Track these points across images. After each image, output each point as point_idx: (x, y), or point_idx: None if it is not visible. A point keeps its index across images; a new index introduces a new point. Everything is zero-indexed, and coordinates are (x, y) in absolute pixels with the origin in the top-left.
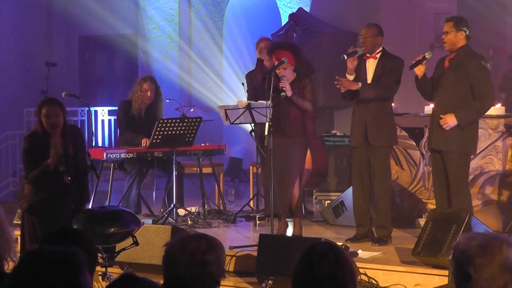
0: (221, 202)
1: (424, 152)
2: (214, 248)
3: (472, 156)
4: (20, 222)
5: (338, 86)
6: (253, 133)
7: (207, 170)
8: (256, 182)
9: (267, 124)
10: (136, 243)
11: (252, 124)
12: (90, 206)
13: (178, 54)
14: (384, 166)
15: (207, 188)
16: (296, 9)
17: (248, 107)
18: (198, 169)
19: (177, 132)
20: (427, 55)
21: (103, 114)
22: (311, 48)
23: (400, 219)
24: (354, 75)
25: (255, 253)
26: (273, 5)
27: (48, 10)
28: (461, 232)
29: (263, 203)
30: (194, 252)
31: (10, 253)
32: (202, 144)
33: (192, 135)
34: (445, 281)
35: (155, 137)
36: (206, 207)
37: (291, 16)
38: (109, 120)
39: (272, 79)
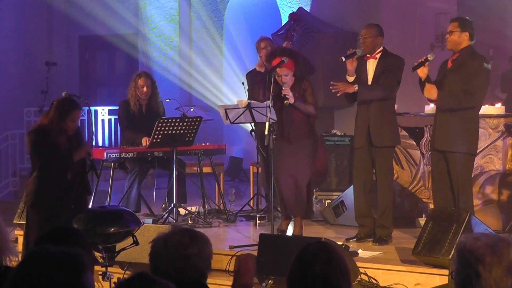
0: (221, 201)
1: (424, 152)
2: (197, 241)
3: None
4: (20, 222)
5: (334, 91)
6: (253, 132)
7: (207, 169)
8: (257, 181)
9: (267, 123)
10: (136, 242)
11: (252, 124)
12: (90, 205)
13: (178, 54)
14: (387, 166)
15: (207, 187)
16: (296, 9)
17: (248, 107)
18: (198, 168)
19: (177, 131)
20: (430, 57)
21: (103, 114)
22: (311, 48)
23: (400, 218)
24: (355, 76)
25: (255, 253)
26: (273, 4)
27: (48, 10)
28: (461, 232)
29: (264, 203)
30: (176, 246)
31: (8, 251)
32: (203, 144)
33: (192, 135)
34: (445, 280)
35: (155, 136)
36: (206, 206)
37: (291, 15)
38: (109, 120)
39: (273, 79)
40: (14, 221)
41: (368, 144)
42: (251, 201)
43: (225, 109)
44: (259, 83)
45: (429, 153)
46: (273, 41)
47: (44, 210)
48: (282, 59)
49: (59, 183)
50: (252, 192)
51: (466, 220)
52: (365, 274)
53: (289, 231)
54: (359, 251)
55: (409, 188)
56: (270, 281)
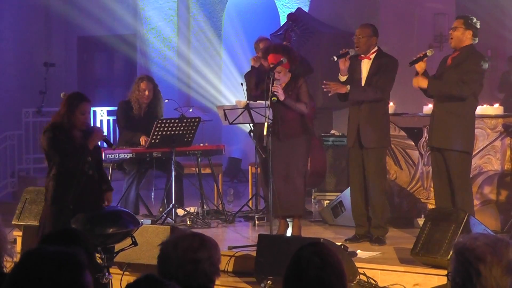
0: (220, 202)
1: (423, 152)
2: (207, 246)
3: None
4: (19, 223)
5: (325, 90)
6: (252, 133)
7: (206, 170)
8: (255, 182)
9: (266, 124)
10: (135, 243)
11: (251, 124)
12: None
13: (177, 55)
14: (377, 167)
15: (206, 188)
16: (295, 9)
17: (247, 107)
18: (197, 169)
19: (176, 132)
20: (429, 53)
21: (102, 115)
22: (309, 48)
23: (399, 219)
24: (347, 76)
25: (254, 253)
26: (272, 5)
27: (46, 11)
28: (459, 232)
29: (263, 203)
30: (186, 250)
31: (4, 252)
32: (201, 144)
33: (191, 135)
34: (444, 281)
35: (154, 137)
36: (205, 207)
37: (290, 16)
38: (108, 121)
39: (271, 79)
40: (13, 222)
41: (359, 144)
42: (250, 202)
43: (224, 110)
44: (253, 76)
45: (428, 153)
46: (272, 41)
47: (66, 207)
48: (281, 59)
49: (79, 179)
50: (250, 193)
51: (465, 220)
52: (364, 274)
53: (288, 232)
54: (358, 251)
55: (408, 189)
56: (269, 282)
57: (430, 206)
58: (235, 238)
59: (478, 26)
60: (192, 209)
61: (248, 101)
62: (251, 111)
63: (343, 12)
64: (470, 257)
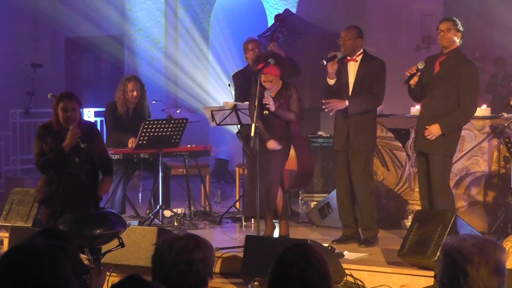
0: (207, 203)
1: (410, 154)
2: (202, 247)
3: (458, 157)
4: (6, 224)
5: (326, 110)
6: (239, 134)
7: (193, 171)
8: (242, 183)
9: (253, 125)
10: (122, 244)
11: (238, 125)
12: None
13: (164, 56)
14: (365, 169)
15: (193, 189)
16: (283, 10)
17: (234, 108)
18: (184, 170)
19: (163, 133)
20: (420, 66)
21: (89, 116)
22: (297, 49)
23: (386, 220)
24: (335, 79)
25: (241, 255)
26: (260, 6)
27: (34, 12)
28: (446, 233)
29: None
30: (181, 250)
31: None
32: (188, 146)
33: (178, 137)
34: (431, 282)
35: (141, 138)
36: (192, 208)
37: (277, 16)
38: (95, 122)
39: (259, 81)
40: (0, 223)
41: (347, 147)
42: (237, 203)
43: (211, 111)
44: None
45: (415, 154)
46: (260, 42)
47: (54, 208)
48: (268, 61)
49: (67, 180)
50: (238, 194)
51: (452, 221)
52: (351, 275)
53: (276, 233)
54: (345, 252)
55: (395, 190)
56: (256, 283)
57: (417, 207)
58: (222, 239)
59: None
60: (179, 210)
61: (235, 102)
62: (239, 112)
63: (331, 13)
64: (458, 258)
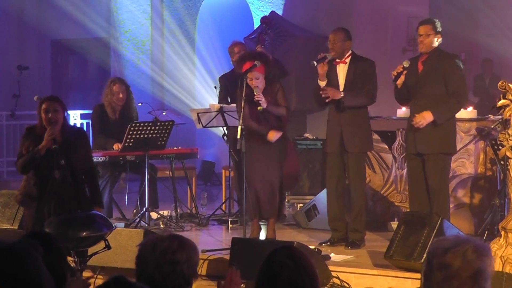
0: (193, 205)
1: (397, 156)
2: (185, 248)
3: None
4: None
5: (323, 96)
6: (225, 136)
7: (179, 173)
8: (229, 185)
9: (239, 127)
10: (108, 246)
11: (225, 128)
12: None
13: (150, 58)
14: (359, 171)
15: (180, 191)
16: (269, 13)
17: (221, 111)
18: (170, 172)
19: (150, 135)
20: (405, 64)
21: (75, 118)
22: (283, 51)
23: (372, 222)
24: (326, 81)
25: (227, 257)
26: (246, 8)
27: (20, 14)
28: (433, 235)
29: (236, 207)
30: (165, 251)
31: None
32: (175, 148)
33: (164, 139)
34: (417, 284)
35: (128, 140)
36: (178, 210)
37: (263, 19)
38: (81, 124)
39: (245, 83)
40: None
41: (341, 149)
42: (223, 205)
43: (197, 113)
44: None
45: (401, 156)
46: (246, 45)
47: (40, 211)
48: (254, 63)
49: (52, 183)
50: (224, 196)
51: (438, 223)
52: (337, 278)
53: (262, 235)
54: (332, 255)
55: (381, 192)
56: (242, 285)
57: (404, 210)
58: (208, 242)
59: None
60: (165, 213)
61: (221, 105)
62: (225, 114)
63: (317, 15)
64: (435, 262)
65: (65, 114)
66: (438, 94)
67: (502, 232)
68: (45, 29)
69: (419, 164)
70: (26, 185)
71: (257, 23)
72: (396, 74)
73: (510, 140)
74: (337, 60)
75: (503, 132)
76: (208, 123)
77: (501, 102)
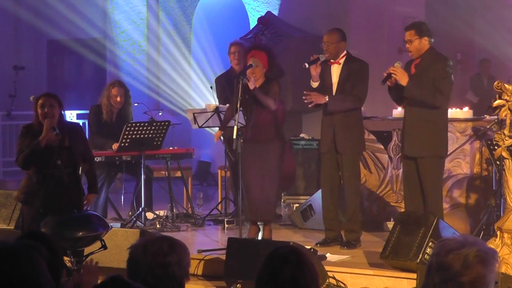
0: (189, 205)
1: (392, 156)
2: (176, 250)
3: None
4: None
5: (306, 101)
6: (221, 136)
7: (175, 173)
8: (225, 185)
9: (235, 127)
10: (104, 247)
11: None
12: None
13: (146, 58)
14: (353, 171)
15: (176, 191)
16: (265, 13)
17: (217, 111)
18: (166, 172)
19: (146, 135)
20: (397, 65)
21: (71, 118)
22: (279, 52)
23: (368, 222)
24: (319, 82)
25: (223, 257)
26: (241, 8)
27: (16, 14)
28: (429, 235)
29: (232, 207)
30: (156, 254)
31: None
32: (171, 148)
33: (160, 139)
34: (413, 284)
35: (123, 140)
36: (174, 210)
37: (260, 19)
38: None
39: (241, 83)
40: None
41: (334, 149)
42: (219, 205)
43: (193, 113)
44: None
45: (397, 157)
46: (243, 45)
47: (36, 210)
48: (250, 63)
49: (49, 181)
50: (220, 196)
51: (434, 224)
52: (333, 278)
53: (259, 236)
54: (327, 255)
55: (377, 192)
56: (238, 285)
57: (400, 210)
58: (204, 242)
59: (429, 27)
60: (161, 213)
61: (217, 105)
62: (221, 114)
63: (313, 15)
64: (436, 262)
65: (62, 111)
66: None
67: (498, 232)
68: (41, 30)
69: (412, 166)
70: (29, 183)
71: (253, 24)
72: (385, 75)
73: (506, 140)
74: (332, 61)
75: (499, 132)
76: (204, 123)
77: (497, 102)
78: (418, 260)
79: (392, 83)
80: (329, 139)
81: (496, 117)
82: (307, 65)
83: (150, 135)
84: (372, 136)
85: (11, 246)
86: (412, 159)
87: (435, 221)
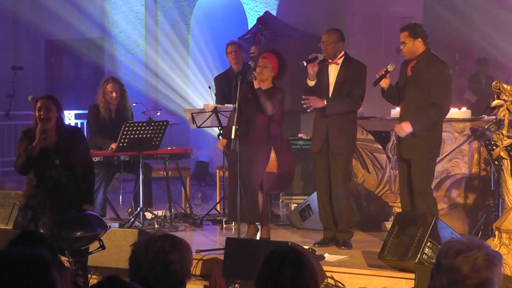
0: (187, 205)
1: (391, 156)
2: (178, 248)
3: (438, 159)
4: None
5: (305, 106)
6: (220, 136)
7: (173, 173)
8: (223, 185)
9: (233, 127)
10: (102, 247)
11: (219, 128)
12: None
13: (145, 58)
14: (344, 172)
15: (174, 191)
16: (263, 13)
17: (215, 111)
18: (164, 172)
19: (144, 135)
20: (390, 68)
21: (70, 118)
22: None
23: (366, 222)
24: (315, 81)
25: (221, 257)
26: (240, 9)
27: (14, 14)
28: (427, 235)
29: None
30: (157, 252)
31: None
32: (169, 148)
33: (158, 139)
34: (411, 284)
35: (122, 140)
36: (172, 210)
37: (259, 19)
38: (76, 124)
39: (239, 83)
40: None
41: (326, 149)
42: (218, 205)
43: (192, 113)
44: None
45: (395, 157)
46: (241, 45)
47: (35, 212)
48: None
49: (46, 183)
50: (218, 196)
51: (432, 224)
52: (332, 278)
53: (258, 236)
54: (326, 255)
55: (376, 192)
56: (236, 285)
57: (398, 210)
58: (202, 242)
59: (425, 29)
60: (160, 213)
61: (215, 105)
62: (219, 114)
63: (311, 15)
64: (444, 263)
65: (61, 114)
66: (422, 100)
67: (496, 232)
68: (40, 30)
69: (404, 166)
70: (29, 187)
71: (251, 24)
72: (378, 76)
73: (504, 140)
74: (329, 61)
75: (497, 132)
76: (202, 123)
77: (495, 102)
78: (416, 260)
79: (387, 84)
80: (321, 139)
81: (494, 117)
82: (305, 63)
83: (148, 135)
84: (370, 136)
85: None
86: (406, 161)
87: (433, 221)
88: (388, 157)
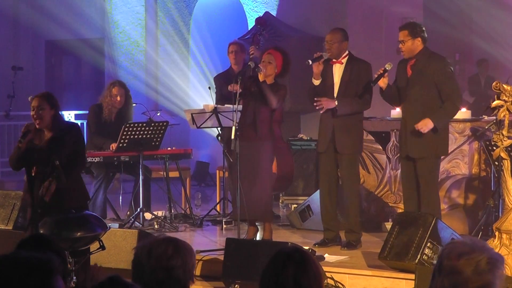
0: (187, 206)
1: (391, 156)
2: (181, 253)
3: (442, 157)
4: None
5: (317, 107)
6: (219, 137)
7: (173, 174)
8: (223, 186)
9: (233, 128)
10: (102, 247)
11: (219, 128)
12: None
13: (145, 59)
14: (352, 171)
15: (174, 192)
16: (263, 13)
17: (215, 111)
18: (164, 173)
19: (144, 136)
20: (388, 67)
21: (70, 118)
22: None
23: (366, 223)
24: (320, 80)
25: (221, 257)
26: (240, 9)
27: (14, 14)
28: (427, 236)
29: (230, 207)
30: (160, 257)
31: None
32: (169, 148)
33: (158, 139)
34: (411, 285)
35: (122, 141)
36: (172, 211)
37: (258, 20)
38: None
39: (239, 82)
40: None
41: (333, 149)
42: (218, 206)
43: (192, 114)
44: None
45: (396, 157)
46: (242, 45)
47: (35, 211)
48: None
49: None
50: (218, 197)
51: (432, 224)
52: (332, 278)
53: (259, 236)
54: (326, 255)
55: (376, 193)
56: (236, 286)
57: (398, 210)
58: (202, 242)
59: (424, 28)
60: (159, 213)
61: (215, 105)
62: (219, 115)
63: (311, 16)
64: (446, 265)
65: (57, 111)
66: (427, 98)
67: (496, 233)
68: (39, 30)
69: (408, 165)
70: (24, 184)
71: (251, 24)
72: (376, 76)
73: (504, 140)
74: (334, 60)
75: (497, 132)
76: (202, 123)
77: (495, 103)
78: (417, 260)
79: (385, 84)
80: (328, 138)
81: (494, 117)
82: (310, 62)
83: (148, 136)
84: (370, 137)
85: (23, 258)
86: (411, 159)
87: (433, 221)
88: (388, 157)
